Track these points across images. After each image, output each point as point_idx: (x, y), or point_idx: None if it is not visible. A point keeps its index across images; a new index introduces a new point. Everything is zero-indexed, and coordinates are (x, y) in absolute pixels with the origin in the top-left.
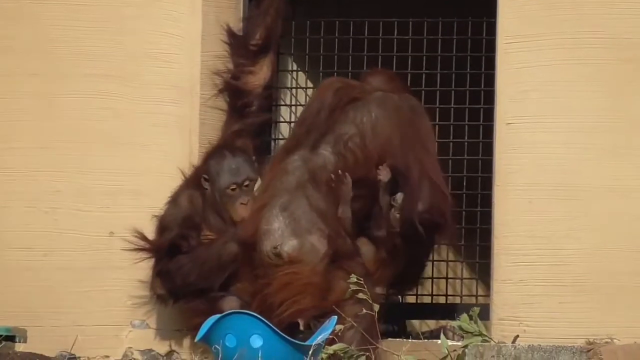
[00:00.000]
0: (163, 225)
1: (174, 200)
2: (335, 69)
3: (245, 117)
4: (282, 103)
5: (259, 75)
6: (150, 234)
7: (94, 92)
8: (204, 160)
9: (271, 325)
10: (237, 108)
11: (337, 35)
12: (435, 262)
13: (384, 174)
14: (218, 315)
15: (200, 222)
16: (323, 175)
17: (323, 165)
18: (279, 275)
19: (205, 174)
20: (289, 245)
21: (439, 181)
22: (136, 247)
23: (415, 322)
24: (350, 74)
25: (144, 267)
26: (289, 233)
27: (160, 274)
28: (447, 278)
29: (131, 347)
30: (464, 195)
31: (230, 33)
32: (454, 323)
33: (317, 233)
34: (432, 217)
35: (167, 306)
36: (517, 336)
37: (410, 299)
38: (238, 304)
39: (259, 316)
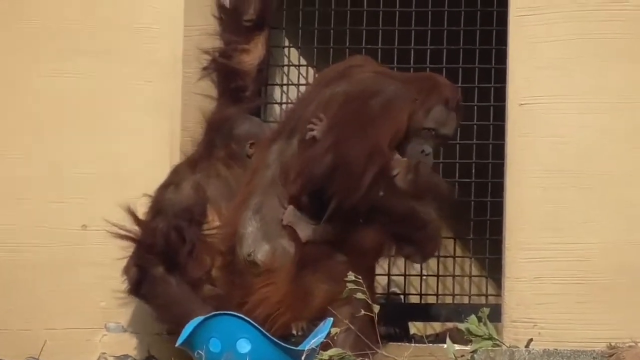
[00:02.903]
0: (157, 208)
1: (176, 184)
2: (331, 44)
3: (239, 102)
4: (273, 82)
5: (254, 54)
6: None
7: (65, 71)
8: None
9: (260, 328)
10: (229, 91)
11: (333, 7)
12: (441, 258)
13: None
14: (201, 317)
15: (202, 217)
16: (291, 169)
17: (291, 158)
18: (256, 288)
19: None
20: (262, 252)
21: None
22: (118, 234)
23: (419, 324)
24: (347, 50)
25: (122, 264)
26: (261, 237)
27: (137, 269)
28: (454, 276)
29: (105, 353)
30: (473, 184)
31: (220, 6)
32: (462, 325)
33: (288, 236)
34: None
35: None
36: (531, 339)
37: (414, 299)
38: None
39: (246, 318)
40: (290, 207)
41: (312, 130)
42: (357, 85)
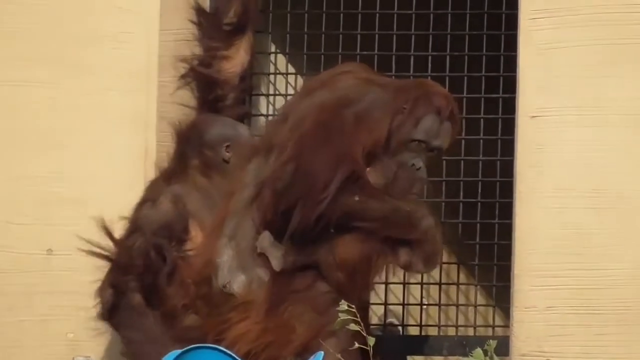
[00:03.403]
0: (134, 227)
1: (151, 199)
2: (323, 50)
3: (219, 113)
4: (258, 92)
5: (235, 60)
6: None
7: (27, 80)
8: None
9: None
10: (208, 102)
11: (324, 9)
12: (443, 286)
13: None
14: (178, 351)
15: (183, 231)
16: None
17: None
18: (233, 322)
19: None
20: (238, 282)
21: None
22: (91, 252)
23: (420, 359)
24: (340, 56)
25: (92, 291)
26: (236, 267)
27: (113, 292)
28: (457, 305)
29: None
30: (479, 204)
31: (199, 10)
32: (466, 359)
33: (264, 265)
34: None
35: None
36: None
37: (413, 330)
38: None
39: (227, 351)
40: (265, 233)
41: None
42: (333, 94)
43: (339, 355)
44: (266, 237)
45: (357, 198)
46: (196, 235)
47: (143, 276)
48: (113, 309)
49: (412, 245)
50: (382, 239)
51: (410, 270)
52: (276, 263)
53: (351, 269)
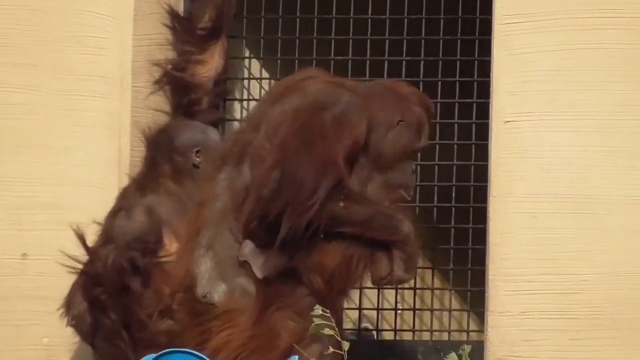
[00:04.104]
0: (107, 237)
1: (125, 208)
2: (297, 55)
3: (193, 117)
4: (232, 97)
5: (210, 65)
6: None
7: (2, 84)
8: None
9: None
10: (182, 106)
11: (298, 14)
12: (417, 291)
13: None
14: (153, 355)
15: (157, 244)
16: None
17: (243, 187)
18: (214, 331)
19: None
20: (219, 292)
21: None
22: (63, 264)
23: None
24: (314, 61)
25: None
26: (216, 277)
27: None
28: (432, 310)
29: None
30: (453, 208)
31: (173, 14)
32: None
33: (246, 273)
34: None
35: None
36: None
37: (388, 335)
38: None
39: (203, 356)
40: (247, 242)
41: (264, 156)
42: (307, 98)
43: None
44: (248, 246)
45: (341, 204)
46: (169, 243)
47: (117, 293)
48: (92, 329)
49: (393, 250)
50: (362, 243)
51: (390, 278)
52: (259, 271)
53: (329, 275)
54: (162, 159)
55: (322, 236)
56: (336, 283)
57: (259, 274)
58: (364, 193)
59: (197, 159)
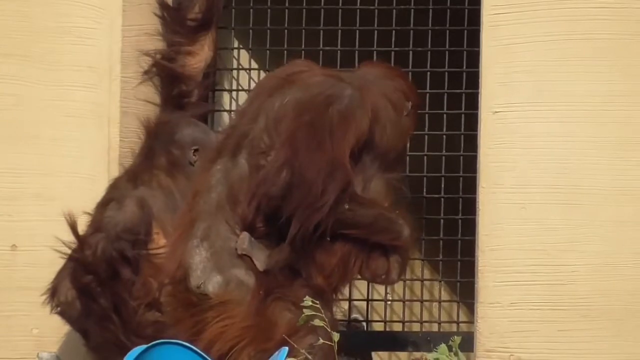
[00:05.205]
0: (97, 226)
1: (116, 199)
2: (285, 46)
3: (184, 109)
4: (221, 87)
5: (199, 56)
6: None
7: None
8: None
9: (208, 358)
10: (172, 97)
11: (287, 4)
12: (407, 282)
13: None
14: (143, 347)
15: (147, 235)
16: (240, 192)
17: (240, 179)
18: (209, 322)
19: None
20: (213, 283)
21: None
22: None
23: (384, 354)
24: (303, 52)
25: None
26: (211, 268)
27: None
28: (422, 300)
29: None
30: (442, 199)
31: (163, 4)
32: (430, 355)
33: (243, 265)
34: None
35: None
36: None
37: (378, 326)
38: None
39: (193, 347)
40: (244, 234)
41: (264, 149)
42: (310, 91)
43: (303, 350)
44: (246, 239)
45: (347, 206)
46: (158, 236)
47: (106, 280)
48: (82, 315)
49: (391, 254)
50: (360, 242)
51: (384, 279)
52: (260, 264)
53: (329, 271)
54: (159, 151)
55: (328, 238)
56: (334, 279)
57: (260, 266)
58: (367, 191)
59: (194, 157)
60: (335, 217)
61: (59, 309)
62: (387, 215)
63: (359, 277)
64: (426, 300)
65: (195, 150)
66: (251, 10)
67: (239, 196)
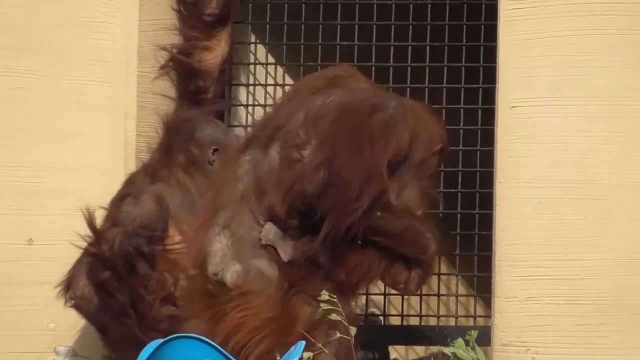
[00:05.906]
0: (114, 221)
1: (133, 194)
2: (302, 40)
3: (200, 104)
4: (238, 82)
5: (216, 51)
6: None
7: (5, 69)
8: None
9: (226, 352)
10: (189, 92)
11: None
12: None
13: None
14: (159, 341)
15: (164, 231)
16: (269, 183)
17: (269, 171)
18: (229, 312)
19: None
20: (232, 272)
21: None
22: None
23: (401, 348)
24: (320, 46)
25: None
26: (231, 256)
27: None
28: (438, 295)
29: None
30: (459, 194)
31: None
32: (447, 350)
33: (266, 256)
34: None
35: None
36: None
37: (395, 321)
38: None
39: (210, 341)
40: (269, 224)
41: (299, 144)
42: (355, 96)
43: (319, 344)
44: (272, 230)
45: (379, 213)
46: (173, 234)
47: (123, 276)
48: (99, 310)
49: (414, 266)
50: (388, 251)
51: (403, 289)
52: (285, 255)
53: (351, 270)
54: (179, 148)
55: (359, 242)
56: (356, 277)
57: (285, 257)
58: (400, 198)
59: (213, 156)
60: (366, 223)
61: (73, 302)
62: (416, 227)
63: (379, 279)
64: (443, 295)
65: (215, 150)
66: (268, 4)
67: (266, 188)
